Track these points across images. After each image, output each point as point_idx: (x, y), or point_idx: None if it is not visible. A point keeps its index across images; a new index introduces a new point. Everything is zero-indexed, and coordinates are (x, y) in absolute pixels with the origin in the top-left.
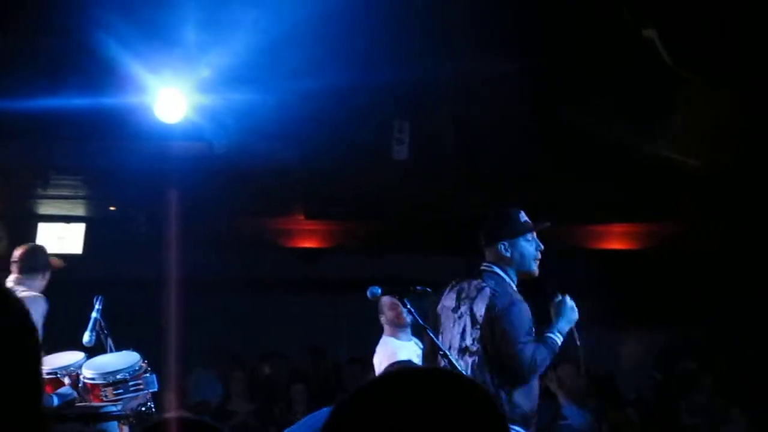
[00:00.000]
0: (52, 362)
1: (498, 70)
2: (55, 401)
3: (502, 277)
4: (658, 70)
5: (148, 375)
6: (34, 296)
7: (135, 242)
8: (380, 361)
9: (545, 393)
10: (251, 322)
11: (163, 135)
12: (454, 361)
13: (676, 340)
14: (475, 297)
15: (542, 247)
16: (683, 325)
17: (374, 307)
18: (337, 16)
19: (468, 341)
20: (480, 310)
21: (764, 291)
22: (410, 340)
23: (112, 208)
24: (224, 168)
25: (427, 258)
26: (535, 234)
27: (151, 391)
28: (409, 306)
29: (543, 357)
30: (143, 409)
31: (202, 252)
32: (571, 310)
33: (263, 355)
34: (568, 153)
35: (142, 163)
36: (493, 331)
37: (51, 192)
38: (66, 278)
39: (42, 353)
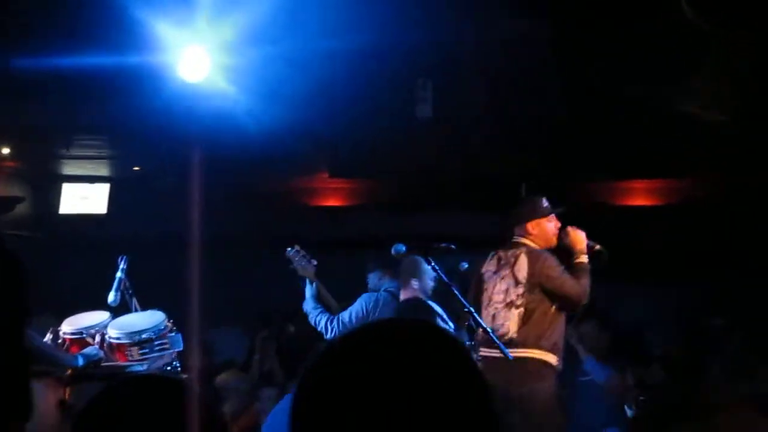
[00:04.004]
0: (78, 322)
1: (522, 28)
2: (81, 361)
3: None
4: (682, 25)
5: (173, 334)
6: None
7: (159, 202)
8: None
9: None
10: (276, 280)
11: (186, 95)
12: (477, 316)
13: (702, 297)
14: (514, 263)
15: (559, 224)
16: (708, 281)
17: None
18: None
19: (513, 297)
20: (521, 272)
21: None
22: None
23: (135, 168)
24: (248, 127)
25: (450, 215)
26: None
27: (176, 350)
28: (433, 263)
29: (585, 280)
30: (169, 368)
31: (226, 211)
32: (576, 233)
33: (288, 314)
34: (592, 110)
35: (166, 123)
36: (541, 284)
37: (75, 152)
38: (90, 238)
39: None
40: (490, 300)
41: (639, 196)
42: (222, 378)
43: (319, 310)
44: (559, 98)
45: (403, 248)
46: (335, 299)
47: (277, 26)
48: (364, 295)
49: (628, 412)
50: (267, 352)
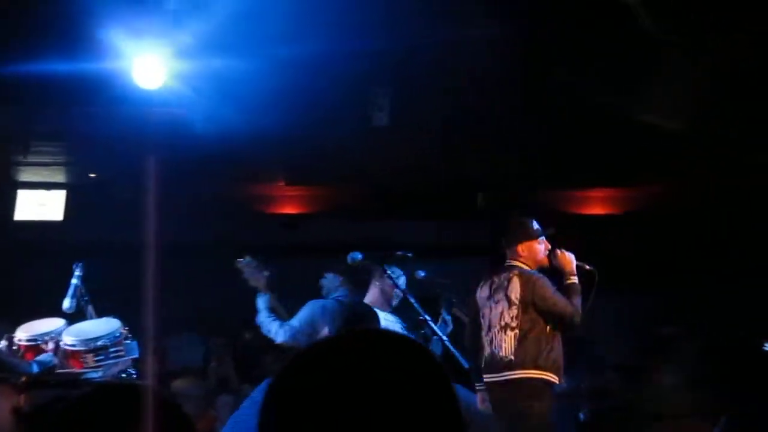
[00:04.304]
0: (33, 329)
1: (480, 34)
2: (35, 368)
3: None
4: (640, 35)
5: (128, 341)
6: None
7: (115, 209)
8: None
9: None
10: (232, 288)
11: (142, 101)
12: (433, 325)
13: (659, 306)
14: (507, 285)
15: (549, 246)
16: (666, 289)
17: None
18: None
19: (507, 319)
20: (514, 294)
21: (745, 256)
22: (388, 311)
23: (92, 175)
24: (204, 134)
25: (407, 223)
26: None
27: (132, 357)
28: (389, 272)
29: (576, 300)
30: (124, 375)
31: (182, 218)
32: (565, 254)
33: (244, 321)
34: (549, 119)
35: (122, 130)
36: (534, 305)
37: (31, 159)
38: (46, 245)
39: None
40: (489, 325)
41: (597, 204)
42: (178, 384)
43: (271, 318)
44: (514, 106)
45: (359, 256)
46: (291, 307)
47: (234, 33)
48: (311, 302)
49: (582, 420)
50: (223, 359)
